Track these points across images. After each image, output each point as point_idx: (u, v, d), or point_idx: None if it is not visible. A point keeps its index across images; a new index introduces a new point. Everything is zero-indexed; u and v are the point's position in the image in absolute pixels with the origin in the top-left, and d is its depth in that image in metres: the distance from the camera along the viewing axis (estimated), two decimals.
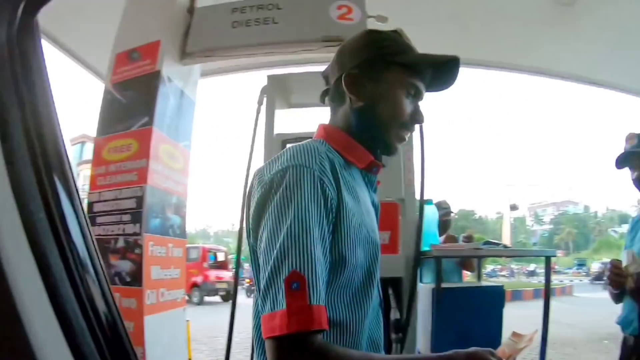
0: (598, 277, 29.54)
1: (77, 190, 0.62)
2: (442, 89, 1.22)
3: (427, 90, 1.18)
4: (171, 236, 3.23)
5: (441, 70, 1.17)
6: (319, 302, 0.86)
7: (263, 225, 0.96)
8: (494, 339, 3.07)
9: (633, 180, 2.32)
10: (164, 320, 3.03)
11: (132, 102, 3.18)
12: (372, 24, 3.21)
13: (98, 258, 0.63)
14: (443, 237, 4.53)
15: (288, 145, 1.13)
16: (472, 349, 1.03)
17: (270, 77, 3.27)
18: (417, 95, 1.15)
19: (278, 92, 3.30)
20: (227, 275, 19.59)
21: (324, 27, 3.16)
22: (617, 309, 2.38)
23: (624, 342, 2.36)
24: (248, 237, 1.07)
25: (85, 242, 0.61)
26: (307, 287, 0.85)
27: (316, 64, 4.98)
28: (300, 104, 3.72)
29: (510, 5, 5.01)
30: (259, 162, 3.13)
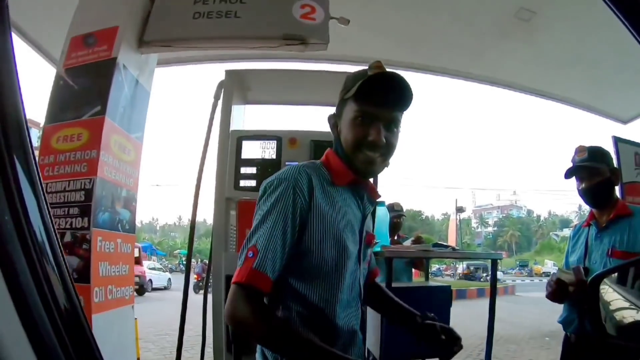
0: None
1: (39, 180, 0.59)
2: (406, 105, 1.38)
3: (391, 109, 1.36)
4: (120, 231, 3.11)
5: (388, 88, 1.32)
6: (261, 269, 1.21)
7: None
8: None
9: (579, 190, 2.46)
10: (112, 318, 2.93)
11: (85, 89, 3.03)
12: (334, 26, 3.22)
13: (60, 250, 0.61)
14: (412, 239, 4.67)
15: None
16: None
17: (228, 72, 3.20)
18: (369, 119, 1.35)
19: (236, 88, 3.24)
20: (140, 270, 19.67)
21: (286, 25, 3.12)
22: (558, 308, 2.56)
23: (566, 340, 2.54)
24: None
25: (47, 233, 0.58)
26: (256, 257, 1.22)
27: (275, 60, 4.98)
28: (257, 100, 3.69)
29: (470, 16, 5.14)
30: (213, 157, 3.07)
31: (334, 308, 1.33)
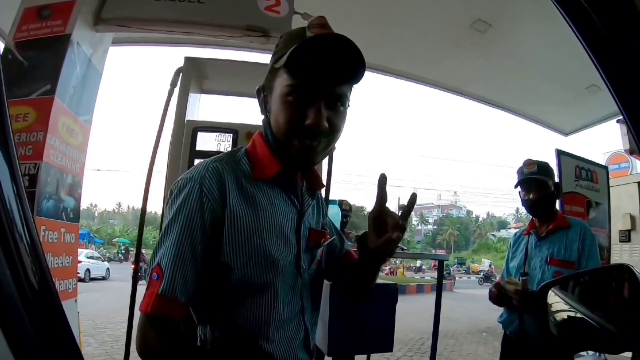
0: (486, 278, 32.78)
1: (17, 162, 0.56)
2: (356, 77, 1.10)
3: (336, 82, 1.06)
4: (64, 220, 2.96)
5: (331, 55, 1.03)
6: (169, 294, 0.98)
7: None
8: (387, 330, 3.23)
9: (525, 200, 2.62)
10: None
11: (35, 65, 2.86)
12: (297, 20, 3.20)
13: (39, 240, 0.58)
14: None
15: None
16: None
17: (187, 59, 3.09)
18: (307, 97, 1.05)
19: (193, 76, 3.15)
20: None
21: (249, 16, 3.08)
22: (495, 305, 2.71)
23: (505, 338, 2.71)
24: None
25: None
26: (162, 280, 0.98)
27: (233, 49, 4.91)
28: (215, 90, 3.61)
29: (428, 21, 5.26)
30: (165, 147, 2.97)
31: (266, 331, 1.08)
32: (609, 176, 5.67)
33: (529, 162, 2.65)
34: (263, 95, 1.16)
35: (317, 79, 1.03)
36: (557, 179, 2.66)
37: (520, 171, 2.67)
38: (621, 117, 5.25)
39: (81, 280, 19.11)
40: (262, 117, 1.19)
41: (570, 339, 1.13)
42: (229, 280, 1.06)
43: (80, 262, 19.90)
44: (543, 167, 2.61)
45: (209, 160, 1.11)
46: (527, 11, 5.02)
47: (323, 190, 2.89)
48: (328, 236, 1.30)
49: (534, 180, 2.57)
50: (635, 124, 0.74)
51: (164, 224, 1.05)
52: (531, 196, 2.58)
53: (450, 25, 5.37)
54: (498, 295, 2.56)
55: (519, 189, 2.67)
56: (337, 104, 1.07)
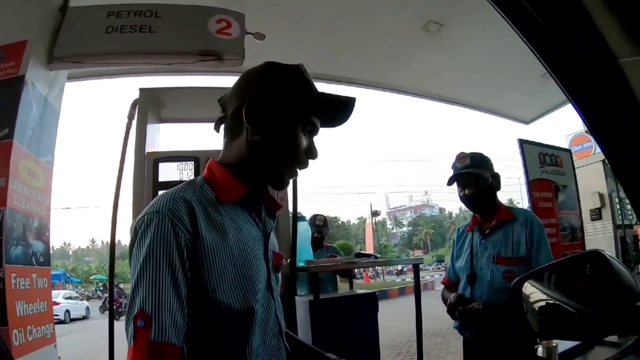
0: None
1: None
2: (334, 126, 1.23)
3: (321, 126, 1.20)
4: (35, 265, 2.87)
5: (337, 109, 1.19)
6: (163, 339, 0.90)
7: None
8: (371, 339, 3.21)
9: (461, 196, 2.46)
10: None
11: None
12: (250, 41, 3.21)
13: None
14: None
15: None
16: None
17: (142, 90, 3.06)
18: (313, 132, 1.18)
19: (150, 106, 3.12)
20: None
21: (202, 41, 3.07)
22: None
23: (466, 342, 2.60)
24: None
25: None
26: (151, 325, 0.90)
27: (190, 74, 4.88)
28: (172, 118, 3.58)
29: (380, 28, 5.33)
30: (129, 179, 2.94)
31: (251, 357, 1.06)
32: (573, 158, 5.80)
33: (461, 156, 2.47)
34: (255, 116, 1.12)
35: (325, 122, 1.20)
36: (495, 170, 2.48)
37: (453, 166, 2.49)
38: None
39: (61, 322, 18.64)
40: (231, 142, 1.18)
41: (550, 329, 1.13)
42: (209, 310, 1.01)
43: (58, 303, 19.28)
44: (477, 159, 2.43)
45: (171, 192, 1.06)
46: (478, 7, 5.12)
47: (290, 207, 2.91)
48: (283, 259, 1.32)
49: (468, 175, 2.39)
50: (584, 110, 0.75)
51: (134, 266, 0.98)
52: (467, 192, 2.41)
53: (403, 29, 5.46)
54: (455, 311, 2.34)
55: (454, 185, 2.50)
56: None
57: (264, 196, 1.20)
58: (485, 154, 2.49)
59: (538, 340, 1.18)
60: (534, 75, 6.59)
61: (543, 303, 1.16)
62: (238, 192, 1.13)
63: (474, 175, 2.37)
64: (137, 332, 0.90)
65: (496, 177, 2.44)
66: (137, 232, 1.01)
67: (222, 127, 1.22)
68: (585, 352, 1.75)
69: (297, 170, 1.18)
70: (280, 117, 1.13)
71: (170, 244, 0.97)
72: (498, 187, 2.45)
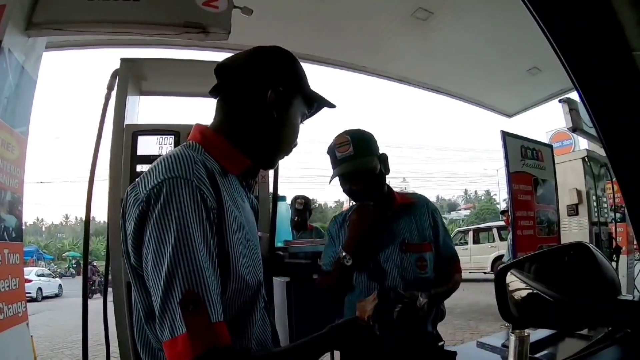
0: None
1: None
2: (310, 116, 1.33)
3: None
4: (7, 240, 2.76)
5: (318, 109, 1.32)
6: (219, 319, 0.85)
7: (146, 246, 0.90)
8: None
9: (347, 190, 2.06)
10: (8, 340, 2.59)
11: None
12: (237, 15, 3.13)
13: None
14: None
15: (165, 153, 1.13)
16: (342, 320, 1.14)
17: (124, 61, 2.98)
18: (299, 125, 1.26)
19: (131, 78, 3.03)
20: None
21: (188, 12, 2.96)
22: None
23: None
24: (127, 258, 0.98)
25: None
26: (206, 306, 0.83)
27: (173, 48, 4.80)
28: (153, 91, 3.51)
29: (369, 11, 5.31)
30: (106, 152, 2.86)
31: (250, 331, 1.05)
32: (554, 154, 5.87)
33: (340, 141, 1.99)
34: (279, 99, 1.14)
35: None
36: (380, 150, 2.07)
37: (331, 152, 2.03)
38: (564, 97, 5.46)
39: (34, 300, 18.60)
40: (238, 110, 1.15)
41: (531, 317, 1.14)
42: (227, 286, 0.95)
43: (30, 281, 19.10)
44: (361, 143, 1.99)
45: (184, 154, 0.98)
46: None
47: (271, 187, 2.88)
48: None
49: (354, 167, 1.96)
50: (589, 98, 0.73)
51: (157, 243, 0.87)
52: (355, 187, 2.00)
53: (392, 14, 5.46)
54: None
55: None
56: None
57: (258, 171, 1.22)
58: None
59: (511, 329, 1.19)
60: (519, 69, 6.69)
61: (524, 292, 1.16)
62: (242, 164, 1.13)
63: (359, 166, 1.96)
64: (189, 317, 0.82)
65: (384, 160, 2.06)
66: (151, 200, 0.90)
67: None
68: (556, 343, 1.77)
69: (283, 157, 1.25)
70: (295, 105, 1.19)
71: (202, 215, 0.89)
72: (387, 171, 2.08)
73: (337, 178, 2.04)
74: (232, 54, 1.24)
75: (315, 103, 1.27)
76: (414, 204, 2.10)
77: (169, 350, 0.83)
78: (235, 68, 1.17)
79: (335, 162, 1.99)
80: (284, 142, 1.20)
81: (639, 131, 0.72)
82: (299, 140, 1.25)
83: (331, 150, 2.02)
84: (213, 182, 0.96)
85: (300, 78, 1.21)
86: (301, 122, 1.25)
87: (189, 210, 0.88)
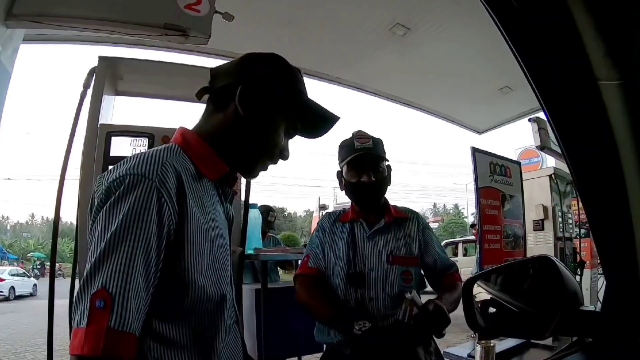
0: None
1: None
2: (308, 136, 1.24)
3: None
4: None
5: (319, 122, 1.21)
6: (123, 328, 0.79)
7: (92, 233, 0.88)
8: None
9: (355, 183, 2.03)
10: None
11: None
12: (218, 20, 3.14)
13: None
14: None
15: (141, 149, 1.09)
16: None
17: (102, 59, 2.90)
18: (293, 135, 1.19)
19: (108, 77, 2.96)
20: None
21: (168, 14, 2.96)
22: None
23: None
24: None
25: None
26: (113, 309, 0.78)
27: (152, 49, 4.76)
28: (129, 91, 3.44)
29: (347, 25, 5.39)
30: (78, 152, 2.79)
31: (217, 346, 1.00)
32: (522, 171, 6.01)
33: (362, 134, 2.05)
34: (247, 98, 1.08)
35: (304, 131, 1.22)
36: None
37: (347, 145, 2.05)
38: (533, 116, 5.60)
39: (6, 299, 18.52)
40: (217, 112, 1.12)
41: (496, 327, 1.17)
42: (175, 298, 0.91)
43: (3, 280, 19.40)
44: (379, 143, 2.06)
45: (155, 154, 0.94)
46: (445, 16, 5.25)
47: (243, 195, 2.87)
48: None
49: (371, 156, 1.99)
50: (555, 119, 0.77)
51: (100, 232, 0.84)
52: (366, 177, 1.98)
53: (370, 28, 5.54)
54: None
55: (343, 168, 2.09)
56: None
57: (237, 179, 1.20)
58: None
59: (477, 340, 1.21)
60: (491, 88, 6.85)
61: (490, 303, 1.20)
62: (220, 170, 1.08)
63: (377, 158, 2.01)
64: (94, 314, 0.77)
65: (390, 170, 2.12)
66: (110, 193, 0.87)
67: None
68: (521, 353, 1.82)
69: (268, 165, 1.16)
70: (270, 108, 1.11)
71: (152, 220, 0.85)
72: (390, 181, 2.11)
73: (340, 174, 2.12)
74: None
75: (306, 115, 1.17)
76: (407, 219, 2.10)
77: (72, 336, 0.80)
78: (221, 70, 1.15)
79: (352, 150, 2.00)
80: (255, 147, 1.12)
81: (601, 153, 0.76)
82: (289, 153, 1.19)
83: (348, 141, 2.05)
84: (179, 186, 0.92)
85: (283, 84, 1.13)
86: (290, 134, 1.18)
87: (140, 208, 0.85)
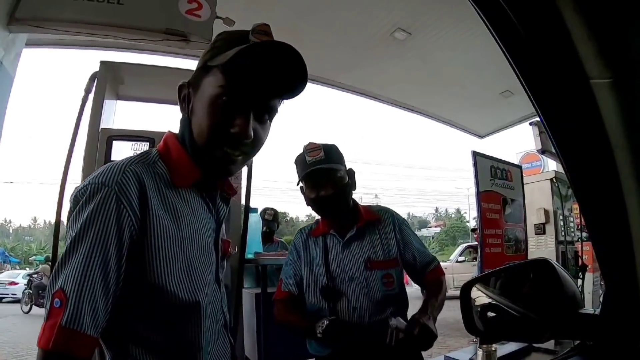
0: None
1: None
2: (296, 91, 1.04)
3: (273, 94, 1.01)
4: None
5: (275, 64, 0.96)
6: (75, 326, 0.82)
7: None
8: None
9: (314, 198, 1.96)
10: None
11: None
12: (218, 25, 3.15)
13: None
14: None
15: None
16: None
17: (103, 63, 2.93)
18: (239, 103, 0.97)
19: (109, 81, 2.99)
20: None
21: (170, 19, 2.99)
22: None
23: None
24: None
25: None
26: (66, 308, 0.82)
27: (153, 54, 4.77)
28: (131, 96, 3.47)
29: (347, 29, 5.40)
30: (79, 156, 2.80)
31: (195, 353, 0.99)
32: (523, 174, 6.01)
33: (312, 147, 1.95)
34: (187, 92, 1.04)
35: (254, 86, 0.97)
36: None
37: (300, 161, 1.97)
38: (534, 120, 5.60)
39: (18, 301, 18.27)
40: (181, 117, 1.08)
41: (495, 332, 1.16)
42: (153, 302, 0.93)
43: (16, 283, 20.06)
44: (332, 152, 1.96)
45: (122, 162, 0.95)
46: (446, 21, 5.26)
47: (243, 199, 2.88)
48: (230, 247, 1.23)
49: (324, 171, 1.90)
50: (550, 123, 0.77)
51: (66, 239, 0.88)
52: (324, 192, 1.91)
53: (370, 32, 5.55)
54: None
55: (301, 184, 2.01)
56: (265, 116, 1.01)
57: (219, 182, 1.11)
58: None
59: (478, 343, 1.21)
60: (492, 92, 6.86)
61: (489, 306, 1.19)
62: (190, 177, 1.03)
63: (331, 171, 1.91)
64: (52, 311, 0.83)
65: (352, 175, 2.04)
66: (77, 202, 0.90)
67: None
68: (523, 357, 1.81)
69: (224, 154, 0.99)
70: (198, 92, 1.01)
71: (110, 225, 0.87)
72: (354, 186, 2.05)
73: (302, 189, 2.02)
74: None
75: (231, 65, 0.94)
76: (379, 220, 2.04)
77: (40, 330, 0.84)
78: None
79: (305, 166, 1.92)
80: (196, 137, 1.01)
81: (596, 154, 0.77)
82: (242, 128, 0.97)
83: (300, 156, 1.97)
84: (141, 193, 0.92)
85: (207, 55, 1.01)
86: (228, 101, 0.97)
87: (98, 214, 0.87)
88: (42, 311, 1.01)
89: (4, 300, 20.11)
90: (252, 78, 0.96)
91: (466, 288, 1.20)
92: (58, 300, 0.82)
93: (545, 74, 0.74)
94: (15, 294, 19.86)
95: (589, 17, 0.64)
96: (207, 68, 0.99)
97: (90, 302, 0.83)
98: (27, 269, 32.97)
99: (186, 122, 1.05)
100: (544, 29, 0.70)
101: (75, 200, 0.91)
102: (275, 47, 0.94)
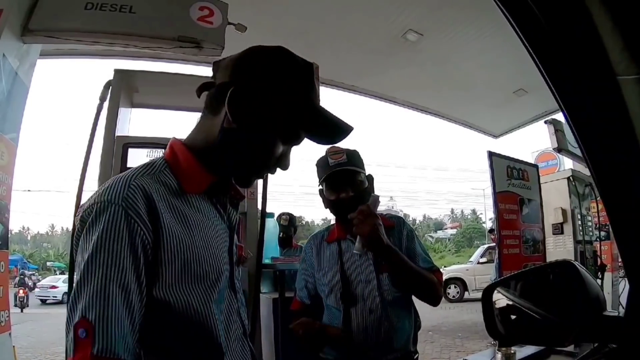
0: None
1: None
2: (319, 142, 1.11)
3: (307, 138, 1.08)
4: None
5: (329, 131, 1.07)
6: (108, 354, 0.78)
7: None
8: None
9: (334, 201, 1.98)
10: None
11: None
12: (230, 31, 3.17)
13: None
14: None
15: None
16: None
17: (117, 72, 2.99)
18: (294, 143, 1.07)
19: (123, 89, 3.03)
20: None
21: (182, 26, 3.00)
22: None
23: None
24: None
25: None
26: (94, 336, 0.78)
27: (166, 61, 4.82)
28: (145, 104, 3.52)
29: (359, 33, 5.40)
30: (95, 164, 2.85)
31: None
32: (539, 174, 5.95)
33: (334, 150, 1.97)
34: (239, 102, 0.98)
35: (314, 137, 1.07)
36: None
37: (322, 163, 2.01)
38: (549, 118, 5.54)
39: (60, 302, 20.86)
40: (209, 117, 1.04)
41: (517, 335, 1.15)
42: (166, 317, 0.91)
43: (56, 287, 22.14)
44: (354, 156, 1.99)
45: (126, 176, 0.93)
46: (458, 21, 5.23)
47: (259, 203, 2.88)
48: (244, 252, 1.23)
49: (346, 173, 1.93)
50: (575, 120, 0.76)
51: (78, 263, 0.86)
52: (345, 194, 1.93)
53: (382, 35, 5.54)
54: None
55: (322, 186, 2.05)
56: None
57: (230, 186, 1.10)
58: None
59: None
60: (506, 91, 6.81)
61: (510, 310, 1.18)
62: (204, 182, 1.03)
63: (352, 174, 1.95)
64: (78, 344, 0.78)
65: (371, 180, 2.07)
66: (84, 223, 0.88)
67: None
68: None
69: (264, 174, 1.07)
70: (265, 116, 0.99)
71: (123, 242, 0.85)
72: (372, 192, 2.05)
73: (321, 192, 2.06)
74: None
75: (313, 124, 1.04)
76: (392, 227, 2.04)
77: None
78: (222, 64, 1.06)
79: (327, 168, 1.95)
80: (248, 158, 1.03)
81: (622, 151, 0.75)
82: (289, 163, 1.07)
83: (323, 159, 2.00)
84: (149, 205, 0.90)
85: (285, 86, 1.01)
86: (292, 143, 1.06)
87: (109, 233, 0.84)
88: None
89: (47, 302, 21.97)
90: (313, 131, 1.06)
91: (488, 291, 1.19)
92: (83, 331, 0.78)
93: (570, 70, 0.73)
94: (56, 297, 21.86)
95: (616, 11, 0.63)
96: (287, 99, 1.01)
97: (118, 325, 0.80)
98: (33, 275, 33.71)
99: (229, 132, 1.00)
100: (568, 23, 0.69)
101: (82, 221, 0.89)
102: (344, 128, 1.07)
